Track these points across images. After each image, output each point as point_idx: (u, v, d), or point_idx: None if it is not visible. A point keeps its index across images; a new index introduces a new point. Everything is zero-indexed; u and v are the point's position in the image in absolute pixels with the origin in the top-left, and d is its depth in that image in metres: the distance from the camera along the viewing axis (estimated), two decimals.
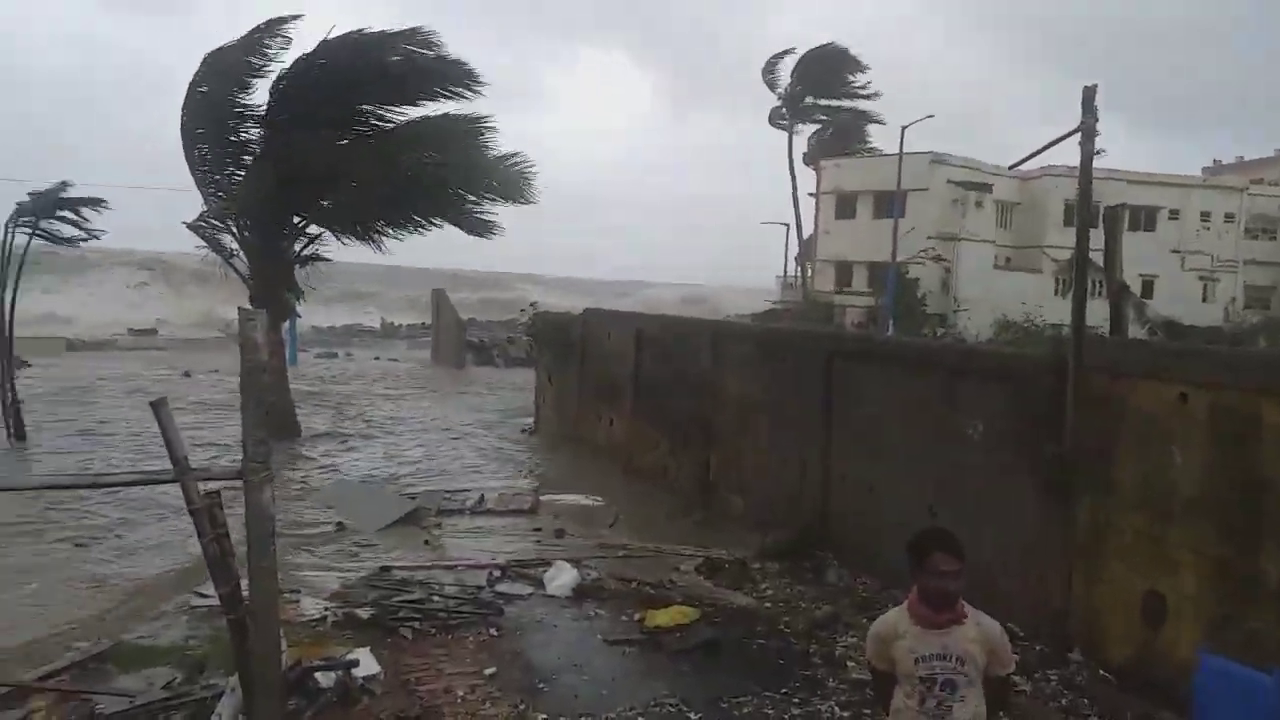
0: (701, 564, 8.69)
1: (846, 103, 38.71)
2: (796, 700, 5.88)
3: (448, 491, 11.73)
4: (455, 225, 15.29)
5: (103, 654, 6.36)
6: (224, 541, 4.01)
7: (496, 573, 8.18)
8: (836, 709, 5.77)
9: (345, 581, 7.98)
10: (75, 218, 14.50)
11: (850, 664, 6.43)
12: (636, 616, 7.20)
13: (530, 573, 8.19)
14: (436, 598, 7.39)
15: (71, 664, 6.13)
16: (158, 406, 4.07)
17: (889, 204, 29.17)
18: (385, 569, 8.35)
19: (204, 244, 14.94)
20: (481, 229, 15.27)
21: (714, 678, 6.17)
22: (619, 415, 13.38)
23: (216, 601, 6.33)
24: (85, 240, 14.89)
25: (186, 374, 22.65)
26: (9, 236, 13.92)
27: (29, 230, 14.09)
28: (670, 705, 5.74)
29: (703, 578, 8.33)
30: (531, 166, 15.15)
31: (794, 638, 6.95)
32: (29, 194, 14.17)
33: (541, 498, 11.29)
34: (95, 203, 14.94)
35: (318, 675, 5.57)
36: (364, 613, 7.01)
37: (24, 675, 5.87)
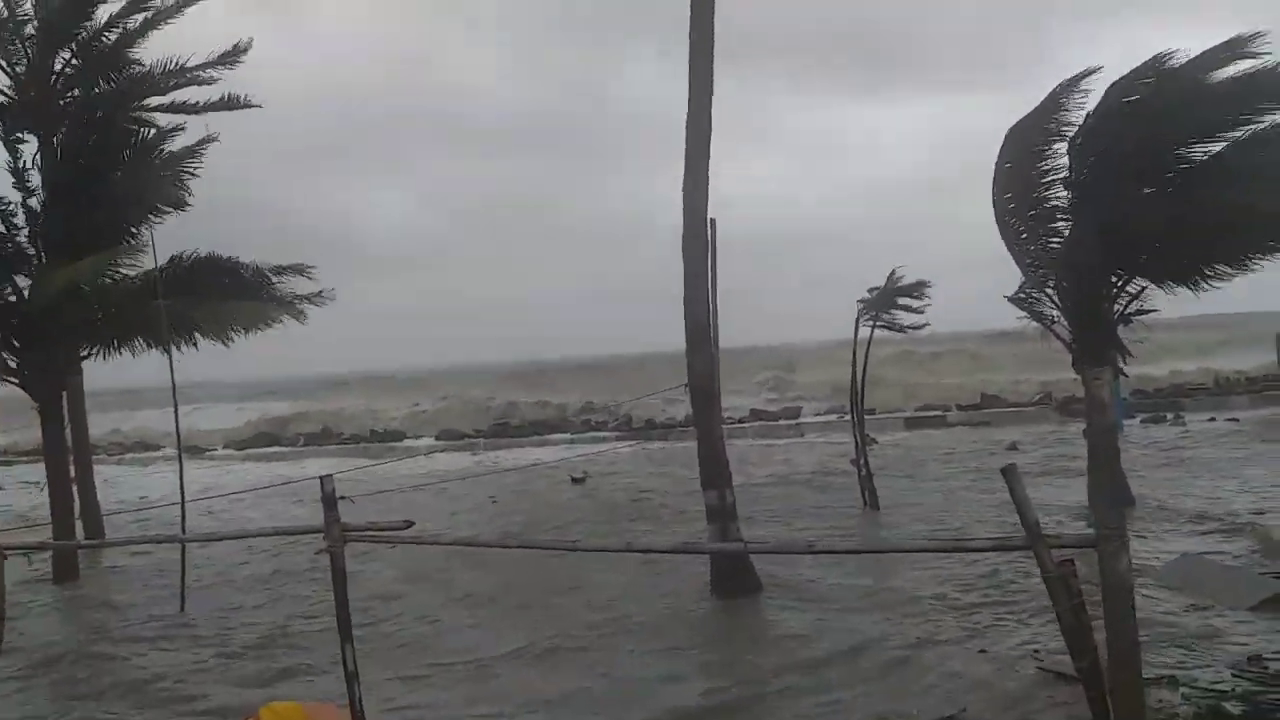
0: None
1: None
2: None
3: None
4: None
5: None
6: (1081, 613, 3.96)
7: None
8: None
9: (1203, 670, 7.20)
10: (909, 305, 16.20)
11: None
12: None
13: None
14: None
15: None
16: (1008, 473, 4.26)
17: None
18: (1254, 659, 7.30)
19: (1024, 314, 15.30)
20: None
21: None
22: None
23: (1064, 669, 6.35)
24: (917, 328, 16.53)
25: (1013, 445, 23.23)
26: (857, 330, 16.29)
27: (871, 322, 16.29)
28: None
29: None
30: None
31: None
32: (869, 290, 16.38)
33: None
34: (919, 288, 16.37)
35: None
36: (1234, 707, 6.23)
37: None
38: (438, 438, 36.42)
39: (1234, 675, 6.91)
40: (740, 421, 33.30)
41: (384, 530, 6.55)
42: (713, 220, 11.40)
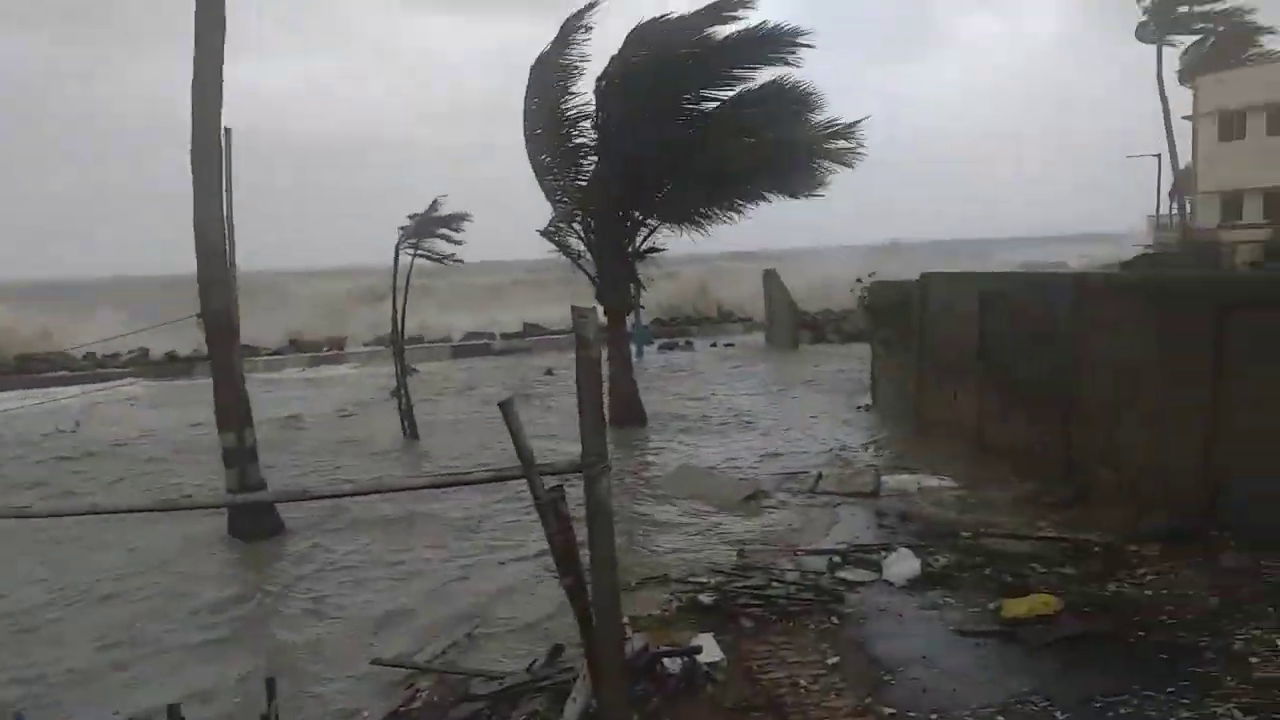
0: (1066, 548, 7.97)
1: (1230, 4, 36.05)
2: (1186, 701, 5.24)
3: (787, 472, 11.74)
4: (781, 193, 15.47)
5: (474, 632, 7.10)
6: (568, 534, 4.21)
7: (837, 558, 8.03)
8: (1238, 713, 5.06)
9: (686, 567, 8.22)
10: (449, 234, 16.12)
11: (1253, 660, 5.62)
12: (991, 606, 6.75)
13: (872, 558, 7.95)
14: (776, 584, 7.38)
15: (451, 643, 6.88)
16: (505, 407, 4.36)
17: None
18: (740, 552, 8.50)
19: (555, 248, 16.04)
20: (803, 189, 15.32)
21: (1083, 675, 5.64)
22: (964, 387, 12.59)
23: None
24: (452, 258, 16.45)
25: (549, 371, 24.54)
26: (397, 257, 15.92)
27: (412, 250, 16.00)
28: (1034, 704, 5.31)
29: (1067, 564, 7.63)
30: (855, 129, 14.88)
31: (1181, 631, 6.17)
32: (409, 216, 16.02)
33: (882, 478, 10.93)
34: (459, 219, 16.36)
35: (665, 661, 5.76)
36: (706, 598, 7.17)
37: (414, 657, 6.64)
38: None
39: (708, 569, 7.97)
40: (277, 353, 31.43)
41: None
42: (228, 130, 10.38)
